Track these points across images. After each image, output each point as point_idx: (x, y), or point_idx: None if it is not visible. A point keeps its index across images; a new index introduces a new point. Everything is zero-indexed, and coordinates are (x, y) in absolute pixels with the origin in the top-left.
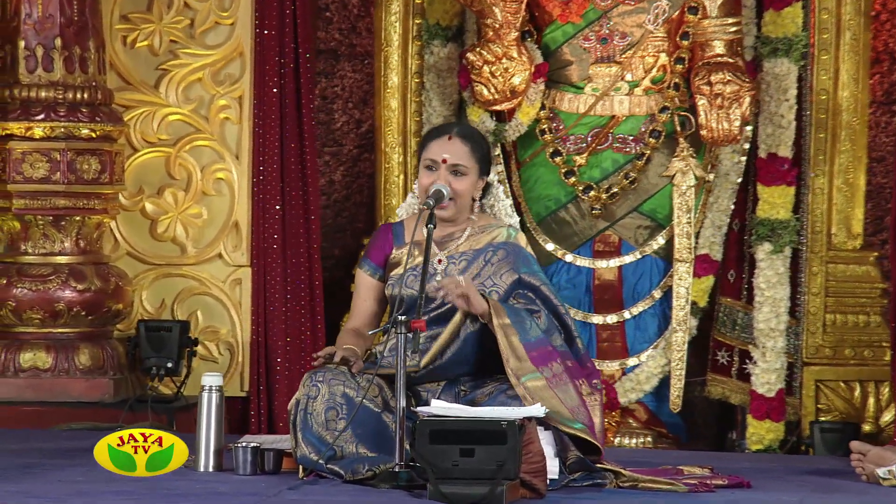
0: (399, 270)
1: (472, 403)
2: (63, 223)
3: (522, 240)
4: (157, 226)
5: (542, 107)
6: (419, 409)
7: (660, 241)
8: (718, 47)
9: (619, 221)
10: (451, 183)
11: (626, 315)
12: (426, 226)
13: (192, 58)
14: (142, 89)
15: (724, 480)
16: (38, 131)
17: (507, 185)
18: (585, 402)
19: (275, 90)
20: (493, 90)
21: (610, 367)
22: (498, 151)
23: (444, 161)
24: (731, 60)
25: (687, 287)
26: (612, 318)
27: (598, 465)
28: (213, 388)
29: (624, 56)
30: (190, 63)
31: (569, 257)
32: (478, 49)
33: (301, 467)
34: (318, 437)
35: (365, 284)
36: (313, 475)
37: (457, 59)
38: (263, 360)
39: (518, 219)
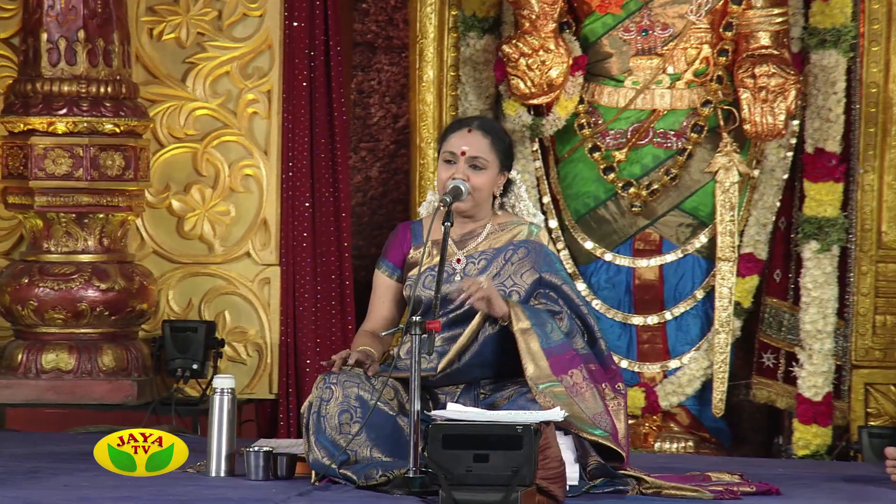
0: (416, 271)
1: (492, 407)
2: (86, 221)
3: (544, 237)
4: (184, 224)
5: (581, 101)
6: (434, 412)
7: (702, 239)
8: (763, 39)
9: (660, 219)
10: (469, 177)
11: (668, 316)
12: (443, 224)
13: (219, 51)
14: (168, 83)
15: (753, 487)
16: (60, 126)
17: (546, 182)
18: (609, 407)
19: (304, 84)
20: (529, 83)
21: (651, 369)
22: (536, 147)
23: (463, 153)
24: (776, 52)
25: (730, 287)
26: (652, 319)
27: (621, 472)
28: (226, 390)
29: (665, 48)
30: (217, 56)
31: (608, 256)
32: (514, 41)
33: (314, 472)
34: (331, 441)
35: (382, 285)
36: (326, 480)
37: (493, 52)
38: (293, 362)
39: (542, 217)
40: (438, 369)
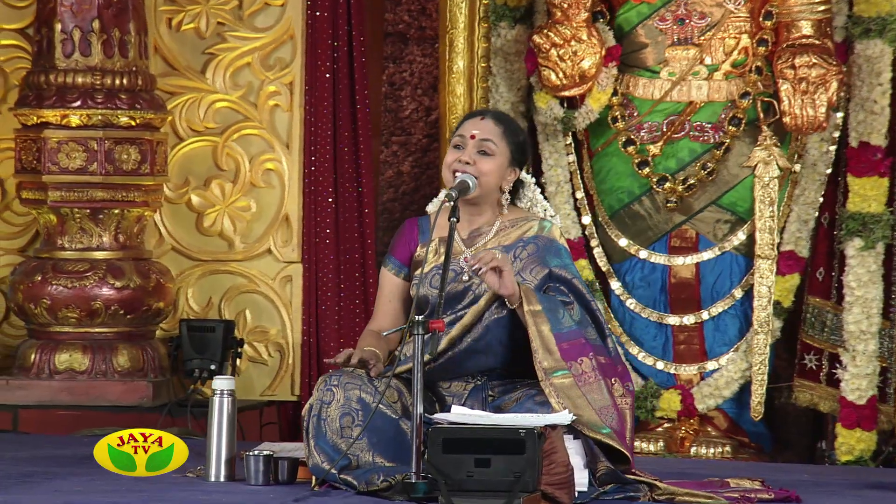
0: (423, 268)
1: (500, 409)
2: (101, 216)
3: (556, 232)
4: (204, 219)
5: (615, 93)
6: (437, 415)
7: (740, 236)
8: (805, 28)
9: (697, 215)
10: (476, 162)
11: (705, 315)
12: (448, 219)
13: (240, 41)
14: (187, 75)
15: (771, 494)
16: (74, 119)
17: (579, 177)
18: (617, 403)
19: (327, 75)
20: (561, 75)
21: (687, 371)
22: (569, 141)
23: (473, 137)
24: (817, 42)
25: (769, 286)
26: (689, 319)
27: (632, 478)
28: (225, 392)
29: (703, 38)
30: (238, 47)
31: (643, 253)
32: (545, 31)
33: (314, 478)
34: (331, 445)
35: (389, 283)
36: (326, 486)
37: (525, 42)
38: (315, 363)
39: (558, 220)
40: (438, 349)
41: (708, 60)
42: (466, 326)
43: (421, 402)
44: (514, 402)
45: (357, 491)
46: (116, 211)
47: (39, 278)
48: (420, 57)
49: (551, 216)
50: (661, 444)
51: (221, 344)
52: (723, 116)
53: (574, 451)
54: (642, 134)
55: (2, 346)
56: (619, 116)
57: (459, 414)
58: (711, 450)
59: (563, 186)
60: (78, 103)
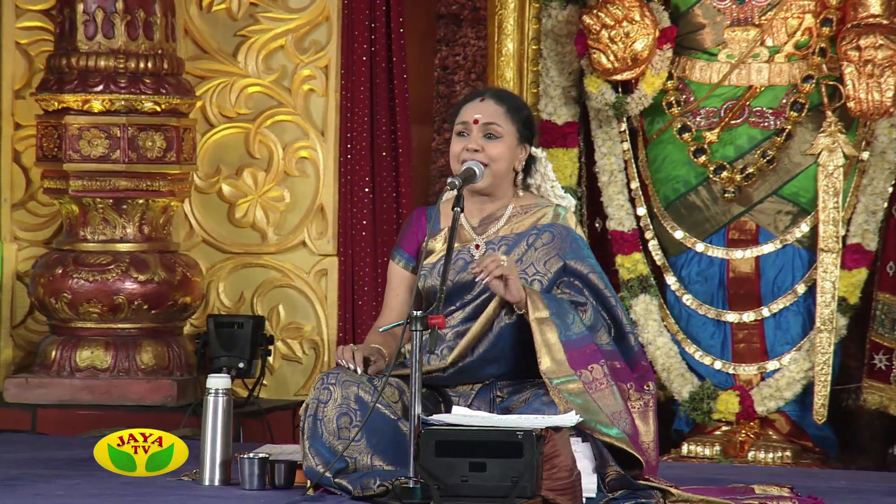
0: (432, 259)
1: (507, 411)
2: (125, 207)
3: (572, 220)
4: (235, 210)
5: (670, 76)
6: (433, 417)
7: (803, 228)
8: (874, 6)
9: (757, 206)
10: (484, 147)
11: (765, 312)
12: (452, 209)
13: (273, 23)
14: (218, 58)
15: (795, 502)
16: (96, 105)
17: (634, 166)
18: (630, 408)
19: (364, 58)
20: (612, 57)
21: (747, 371)
22: (623, 127)
23: (476, 121)
24: (885, 22)
25: (833, 281)
26: (749, 316)
27: (644, 483)
28: (220, 391)
29: (763, 18)
30: (271, 28)
31: (700, 246)
32: (595, 11)
33: (309, 481)
34: (328, 447)
35: (397, 276)
36: (321, 490)
37: (577, 24)
38: None
39: (573, 201)
40: (449, 361)
41: (769, 42)
42: (478, 335)
43: (419, 403)
44: (522, 402)
45: (352, 496)
46: (141, 201)
47: (60, 271)
48: (474, 39)
49: (561, 196)
50: (718, 448)
51: (250, 341)
52: (784, 101)
53: (582, 455)
54: (699, 120)
55: (26, 343)
56: (674, 101)
57: (459, 415)
58: (771, 454)
59: (617, 176)
60: (100, 88)
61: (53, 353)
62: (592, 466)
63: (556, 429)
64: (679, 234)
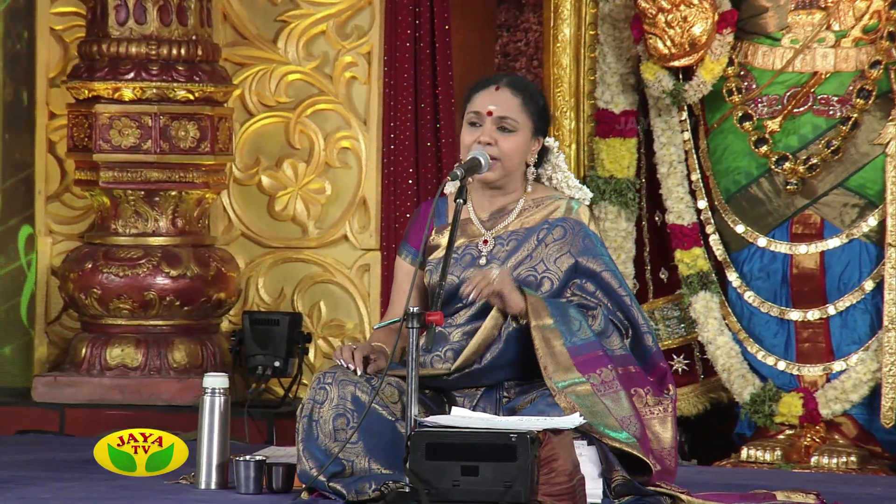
0: (438, 254)
1: (513, 411)
2: (157, 199)
3: (585, 214)
4: (275, 203)
5: (731, 62)
6: (429, 418)
7: (871, 222)
8: None
9: (821, 199)
10: (497, 140)
11: (831, 310)
12: (455, 200)
13: (314, 7)
14: (258, 44)
15: None
16: (126, 93)
17: (694, 157)
18: (640, 414)
19: (408, 44)
20: (668, 43)
21: (811, 372)
22: (684, 116)
23: (490, 113)
24: None
25: None
26: (813, 315)
27: (652, 489)
28: (218, 391)
29: (830, 1)
30: (312, 13)
31: (762, 241)
32: None
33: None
34: (323, 450)
35: (403, 272)
36: (316, 494)
37: (634, 8)
38: None
39: (589, 193)
40: (453, 368)
41: (835, 26)
42: (483, 342)
43: (416, 403)
44: (528, 403)
45: (346, 501)
46: (173, 193)
47: (90, 266)
48: (536, 25)
49: (577, 188)
50: (779, 452)
51: (287, 339)
52: (851, 88)
53: (587, 459)
54: (760, 108)
55: (60, 340)
56: (734, 89)
57: (457, 416)
58: (835, 460)
59: (677, 167)
60: (131, 75)
61: (83, 350)
62: (598, 471)
63: (556, 431)
64: (740, 229)
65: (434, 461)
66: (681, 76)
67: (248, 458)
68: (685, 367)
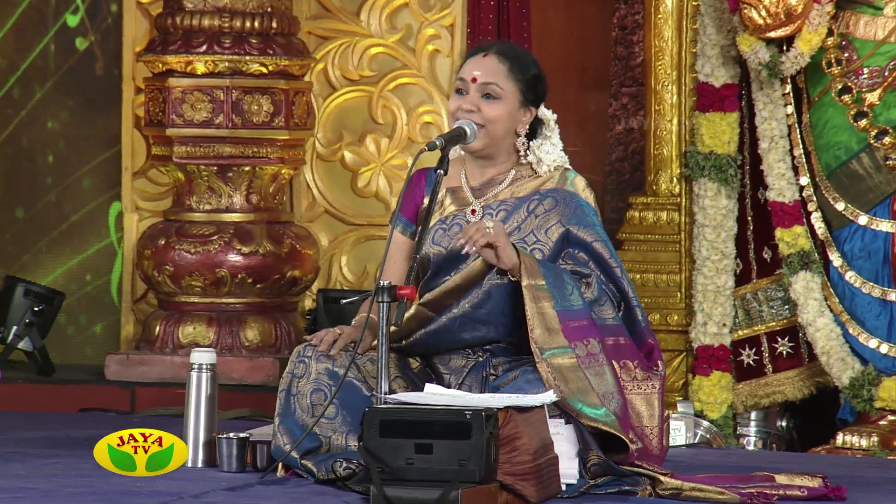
0: (429, 223)
1: (497, 389)
2: (230, 174)
3: (580, 184)
4: (358, 179)
5: (830, 33)
6: (398, 395)
7: None
8: None
9: None
10: (481, 107)
11: None
12: (436, 171)
13: None
14: (341, 17)
15: (804, 492)
16: (199, 66)
17: (797, 131)
18: (623, 390)
19: (491, 16)
20: (763, 13)
21: None
22: (788, 89)
23: (475, 80)
24: None
25: None
26: None
27: (629, 469)
28: (204, 366)
29: None
30: None
31: (863, 219)
32: None
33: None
34: (300, 425)
35: (396, 243)
36: (290, 473)
37: None
38: None
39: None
40: (424, 299)
41: None
42: (458, 285)
43: (386, 379)
44: (510, 381)
45: (316, 479)
46: (247, 168)
47: (163, 242)
48: None
49: (560, 161)
50: (875, 438)
51: None
52: None
53: (564, 438)
54: (861, 80)
55: (146, 319)
56: (834, 60)
57: (427, 394)
58: None
59: (779, 142)
60: (203, 48)
61: (157, 328)
62: (576, 450)
63: (523, 409)
64: (841, 206)
65: (388, 438)
66: (784, 47)
67: (230, 435)
68: (790, 351)
